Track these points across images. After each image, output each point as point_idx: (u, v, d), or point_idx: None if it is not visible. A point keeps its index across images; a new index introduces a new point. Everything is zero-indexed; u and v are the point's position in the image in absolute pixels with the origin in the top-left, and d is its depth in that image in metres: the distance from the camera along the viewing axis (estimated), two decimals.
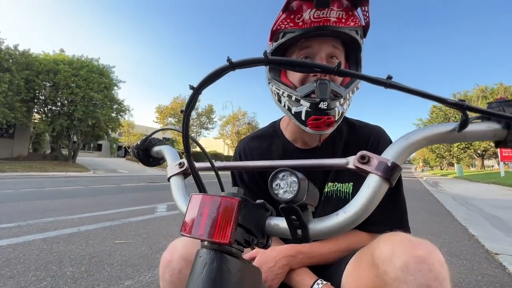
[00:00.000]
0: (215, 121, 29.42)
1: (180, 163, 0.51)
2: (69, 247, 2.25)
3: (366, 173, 0.34)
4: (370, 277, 0.53)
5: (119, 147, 36.81)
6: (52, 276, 1.71)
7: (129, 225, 3.13)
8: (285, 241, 0.77)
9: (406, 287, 0.43)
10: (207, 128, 28.89)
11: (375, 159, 0.34)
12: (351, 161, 0.36)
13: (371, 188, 0.32)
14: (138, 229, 2.96)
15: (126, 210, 4.01)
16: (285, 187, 0.32)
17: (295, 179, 0.32)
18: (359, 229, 0.74)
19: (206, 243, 0.32)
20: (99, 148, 35.39)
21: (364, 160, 0.35)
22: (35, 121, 16.78)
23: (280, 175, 0.33)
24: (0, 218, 3.08)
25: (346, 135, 0.78)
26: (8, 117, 12.73)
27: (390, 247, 0.47)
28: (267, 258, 0.68)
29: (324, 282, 0.65)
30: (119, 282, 1.68)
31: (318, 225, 0.34)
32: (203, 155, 0.52)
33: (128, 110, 20.56)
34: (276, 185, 0.33)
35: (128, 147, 34.26)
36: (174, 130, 0.53)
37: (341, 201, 0.72)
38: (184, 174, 0.51)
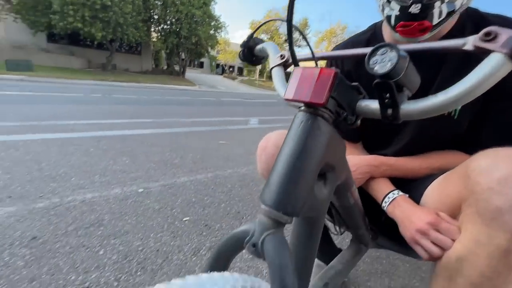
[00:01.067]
0: (309, 37, 26.85)
1: (281, 55, 0.54)
2: (187, 141, 2.93)
3: (488, 52, 0.29)
4: (457, 188, 0.49)
5: (217, 65, 39.95)
6: (180, 156, 2.34)
7: (228, 131, 3.70)
8: (371, 152, 0.77)
9: (498, 198, 0.38)
10: (299, 46, 27.01)
11: (504, 34, 0.27)
12: (470, 41, 0.30)
13: (488, 66, 0.28)
14: (235, 135, 3.48)
15: (225, 119, 4.66)
16: (383, 63, 0.31)
17: (395, 54, 0.30)
18: (461, 150, 0.65)
19: (302, 107, 0.37)
20: (201, 65, 39.43)
21: (488, 36, 0.28)
22: (153, 39, 19.59)
23: (380, 51, 0.32)
24: (143, 115, 4.17)
25: (470, 32, 0.60)
26: (135, 36, 15.28)
27: (491, 160, 0.41)
28: (350, 163, 0.72)
29: (401, 193, 0.65)
30: (223, 170, 2.14)
31: (411, 106, 0.33)
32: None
33: (224, 26, 21.05)
34: (374, 61, 0.32)
35: (225, 65, 36.64)
36: (278, 20, 0.54)
37: (445, 119, 0.62)
38: (285, 65, 0.54)
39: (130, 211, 1.38)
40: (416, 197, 0.63)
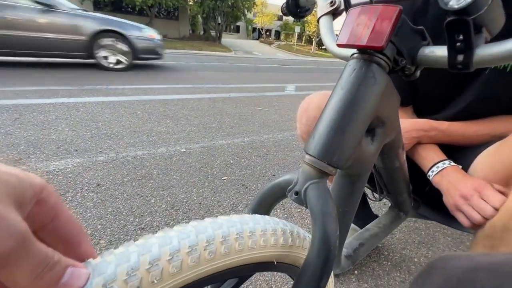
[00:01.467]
0: None
1: (331, 2, 0.49)
2: (225, 106, 2.98)
3: None
4: (510, 156, 0.43)
5: (254, 29, 38.33)
6: (218, 121, 2.41)
7: (264, 97, 3.66)
8: (421, 117, 0.70)
9: None
10: None
11: None
12: None
13: None
14: (271, 101, 3.44)
15: (261, 85, 4.59)
16: None
17: None
18: None
19: (356, 54, 0.34)
20: (237, 30, 38.21)
21: None
22: (190, 3, 19.26)
23: None
24: (183, 80, 4.30)
25: None
26: (173, 0, 15.16)
27: None
28: None
29: (453, 163, 0.59)
30: (259, 135, 2.17)
31: (488, 50, 0.28)
32: None
33: None
34: None
35: (261, 29, 34.93)
36: None
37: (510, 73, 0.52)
38: (334, 14, 0.50)
39: (174, 168, 1.51)
40: (465, 166, 0.57)
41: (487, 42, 0.29)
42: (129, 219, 1.07)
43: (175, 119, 2.35)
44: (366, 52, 0.33)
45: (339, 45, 0.34)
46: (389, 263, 0.97)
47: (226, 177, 1.46)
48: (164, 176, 1.41)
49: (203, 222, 0.27)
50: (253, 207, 0.41)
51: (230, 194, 1.31)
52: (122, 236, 0.97)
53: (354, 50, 0.35)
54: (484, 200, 0.47)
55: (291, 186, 0.36)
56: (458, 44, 0.29)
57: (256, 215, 0.32)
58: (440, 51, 0.32)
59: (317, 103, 0.69)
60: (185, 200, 1.22)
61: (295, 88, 4.57)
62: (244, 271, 0.28)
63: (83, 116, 2.19)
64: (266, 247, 0.29)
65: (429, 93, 0.66)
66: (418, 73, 0.35)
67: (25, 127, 1.83)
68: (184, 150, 1.75)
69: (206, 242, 0.24)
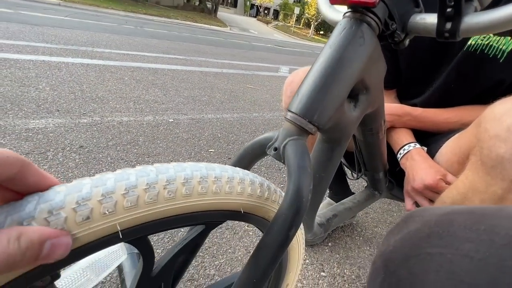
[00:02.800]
0: None
1: None
2: (216, 81, 2.92)
3: None
4: (468, 138, 0.47)
5: (252, 5, 36.78)
6: (208, 95, 2.37)
7: (257, 76, 3.60)
8: (401, 102, 0.73)
9: (502, 146, 0.36)
10: None
11: None
12: None
13: None
14: (263, 81, 3.40)
15: (255, 64, 4.50)
16: None
17: None
18: None
19: (348, 13, 0.34)
20: (234, 4, 36.52)
21: None
22: None
23: None
24: (174, 51, 4.13)
25: None
26: None
27: (506, 106, 0.37)
28: None
29: (418, 146, 0.62)
30: (249, 112, 2.16)
31: (475, 19, 0.29)
32: None
33: None
34: None
35: (260, 6, 33.61)
36: None
37: (488, 62, 0.55)
38: None
39: (161, 136, 1.49)
40: (434, 151, 0.61)
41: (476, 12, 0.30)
42: None
43: (164, 89, 2.28)
44: (358, 11, 0.33)
45: (332, 2, 0.34)
46: (361, 238, 1.04)
47: (213, 150, 1.47)
48: (150, 143, 1.40)
49: (166, 164, 0.26)
50: (233, 162, 0.42)
51: None
52: None
53: (346, 9, 0.35)
54: (430, 196, 0.53)
55: (271, 143, 0.37)
56: (448, 10, 0.29)
57: (227, 165, 0.31)
58: (431, 19, 0.32)
59: (302, 77, 0.70)
60: None
61: (289, 70, 4.52)
62: (209, 217, 0.28)
63: (66, 76, 2.08)
64: (232, 194, 0.28)
65: (411, 76, 0.68)
66: (407, 42, 0.36)
67: (1, 82, 1.72)
68: (172, 120, 1.73)
69: (166, 182, 0.23)
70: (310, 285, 0.80)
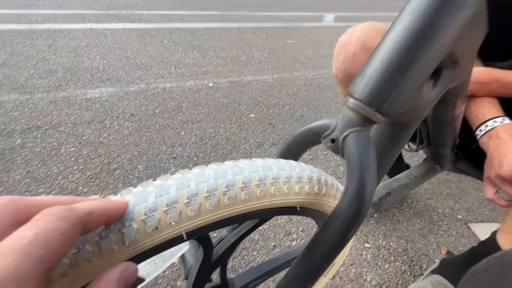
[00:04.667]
0: None
1: None
2: (254, 38, 2.75)
3: None
4: None
5: None
6: (246, 55, 2.27)
7: (298, 29, 3.29)
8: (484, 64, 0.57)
9: None
10: None
11: None
12: None
13: None
14: (305, 34, 3.09)
15: (296, 14, 4.08)
16: None
17: None
18: None
19: None
20: None
21: None
22: None
23: None
24: (210, 6, 3.92)
25: None
26: None
27: None
28: None
29: (507, 121, 0.50)
30: (289, 72, 2.03)
31: None
32: None
33: None
34: None
35: None
36: None
37: None
38: None
39: (202, 102, 1.51)
40: None
41: None
42: (162, 148, 1.14)
43: (202, 51, 2.24)
44: None
45: None
46: (411, 211, 0.97)
47: (253, 115, 1.45)
48: (193, 109, 1.43)
49: (223, 166, 0.25)
50: (281, 151, 0.39)
51: (257, 132, 1.31)
52: (156, 163, 1.06)
53: None
54: None
55: (327, 133, 0.33)
56: None
57: (282, 159, 0.30)
58: None
59: (360, 37, 0.59)
60: (213, 135, 1.26)
61: (334, 18, 4.01)
62: (264, 214, 0.28)
63: (111, 44, 2.16)
64: (290, 194, 0.28)
65: (498, 33, 0.52)
66: None
67: (60, 54, 1.87)
68: (212, 84, 1.72)
69: (226, 187, 0.23)
70: (353, 256, 0.80)
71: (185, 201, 0.22)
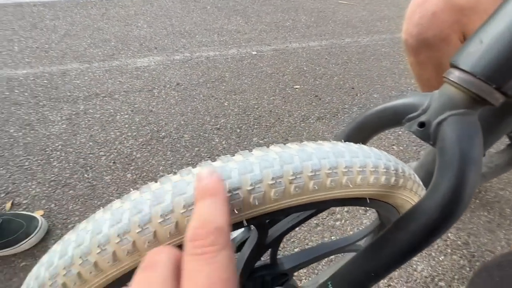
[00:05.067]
0: None
1: None
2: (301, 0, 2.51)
3: None
4: None
5: None
6: (292, 19, 2.09)
7: None
8: None
9: None
10: None
11: None
12: None
13: None
14: None
15: None
16: None
17: None
18: None
19: None
20: None
21: None
22: None
23: None
24: None
25: None
26: None
27: None
28: None
29: None
30: (340, 38, 1.83)
31: None
32: None
33: None
34: None
35: None
36: None
37: None
38: None
39: (246, 71, 1.46)
40: None
41: None
42: (206, 118, 1.15)
43: (246, 16, 2.12)
44: None
45: None
46: (478, 201, 0.86)
47: (298, 86, 1.36)
48: (236, 80, 1.39)
49: (289, 149, 0.22)
50: (347, 132, 0.34)
51: (302, 104, 1.24)
52: (201, 133, 1.08)
53: None
54: None
55: (414, 114, 0.27)
56: None
57: (352, 144, 0.26)
58: None
59: None
60: (256, 106, 1.22)
61: None
62: (331, 205, 0.25)
63: (157, 11, 2.17)
64: (362, 185, 0.24)
65: None
66: None
67: (112, 23, 1.94)
68: (255, 52, 1.64)
69: (293, 175, 0.21)
70: None
71: (248, 188, 0.20)
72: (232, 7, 2.29)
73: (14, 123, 1.07)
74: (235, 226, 0.21)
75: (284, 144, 0.24)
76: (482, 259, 0.74)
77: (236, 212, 0.19)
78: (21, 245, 0.71)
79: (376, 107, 0.31)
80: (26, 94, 1.22)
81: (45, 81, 1.30)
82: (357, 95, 1.31)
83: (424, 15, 0.53)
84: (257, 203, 0.20)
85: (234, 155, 0.22)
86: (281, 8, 2.29)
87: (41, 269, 0.20)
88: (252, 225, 0.29)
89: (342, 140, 0.28)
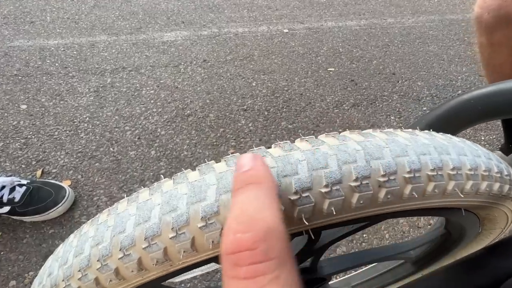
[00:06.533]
0: None
1: None
2: None
3: None
4: None
5: None
6: None
7: None
8: None
9: None
10: None
11: None
12: None
13: None
14: None
15: None
16: None
17: None
18: None
19: None
20: None
21: None
22: None
23: None
24: None
25: None
26: None
27: None
28: None
29: None
30: (381, 18, 1.66)
31: None
32: None
33: None
34: None
35: None
36: None
37: None
38: None
39: (276, 50, 1.37)
40: None
41: None
42: (233, 98, 1.09)
43: None
44: None
45: None
46: None
47: (332, 69, 1.25)
48: (265, 59, 1.31)
49: (373, 139, 0.16)
50: (431, 119, 0.26)
51: (336, 89, 1.14)
52: (227, 114, 1.03)
53: None
54: None
55: None
56: None
57: (452, 136, 0.20)
58: None
59: None
60: (285, 88, 1.14)
61: None
62: (408, 214, 0.19)
63: None
64: (470, 195, 0.18)
65: None
66: None
67: None
68: (287, 30, 1.53)
69: (384, 176, 0.15)
70: None
71: (323, 190, 0.14)
72: None
73: (45, 93, 1.08)
74: (293, 236, 0.16)
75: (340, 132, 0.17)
76: None
77: (305, 222, 0.14)
78: (49, 213, 0.72)
79: (479, 90, 0.23)
80: (56, 64, 1.22)
81: (75, 52, 1.30)
82: (398, 81, 1.19)
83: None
84: (333, 212, 0.14)
85: (295, 142, 0.16)
86: None
87: (55, 264, 0.16)
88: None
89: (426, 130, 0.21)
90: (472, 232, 0.28)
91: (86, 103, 1.05)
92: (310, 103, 1.08)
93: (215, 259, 0.15)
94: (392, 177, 0.15)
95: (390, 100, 1.10)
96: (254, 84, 1.16)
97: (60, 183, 0.76)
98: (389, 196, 0.15)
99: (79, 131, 0.95)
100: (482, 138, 0.97)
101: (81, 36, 1.41)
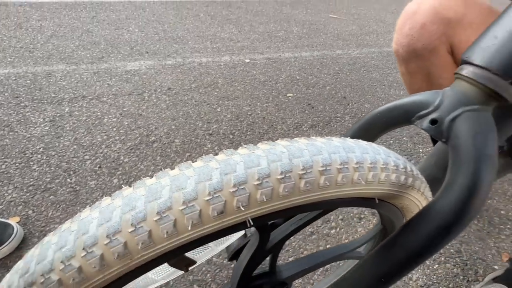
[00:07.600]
0: None
1: None
2: (293, 12, 2.57)
3: None
4: None
5: None
6: (284, 30, 2.13)
7: (342, 2, 3.01)
8: None
9: None
10: None
11: None
12: None
13: None
14: (349, 7, 2.83)
15: None
16: None
17: None
18: None
19: None
20: None
21: None
22: None
23: None
24: None
25: None
26: None
27: None
28: None
29: None
30: (331, 49, 1.88)
31: None
32: None
33: None
34: None
35: None
36: None
37: None
38: None
39: (239, 78, 1.45)
40: None
41: None
42: (198, 124, 1.13)
43: (239, 25, 2.15)
44: None
45: None
46: None
47: (291, 94, 1.37)
48: (229, 86, 1.38)
49: (297, 143, 0.21)
50: (356, 129, 0.33)
51: (295, 112, 1.24)
52: (193, 139, 1.05)
53: None
54: None
55: (425, 111, 0.26)
56: None
57: (361, 141, 0.25)
58: None
59: (433, 5, 0.50)
60: (249, 113, 1.21)
61: None
62: (335, 205, 0.24)
63: (149, 16, 2.16)
64: (373, 183, 0.23)
65: None
66: None
67: (102, 26, 1.90)
68: (248, 60, 1.64)
69: (303, 169, 0.19)
70: None
71: (256, 183, 0.18)
72: (225, 16, 2.31)
73: None
74: (237, 227, 0.19)
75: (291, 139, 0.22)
76: (474, 268, 0.74)
77: (242, 209, 0.17)
78: None
79: (385, 105, 0.30)
80: (6, 94, 1.15)
81: (28, 82, 1.24)
82: (349, 104, 1.33)
83: (414, 26, 0.54)
84: (264, 200, 0.18)
85: (237, 149, 0.20)
86: (274, 19, 2.34)
87: (15, 277, 0.17)
88: (251, 231, 0.27)
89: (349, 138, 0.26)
90: (399, 223, 0.34)
91: (40, 133, 0.99)
92: (272, 125, 1.15)
93: (171, 253, 0.17)
94: (309, 170, 0.19)
95: (343, 121, 1.22)
96: (219, 110, 1.21)
97: (6, 220, 0.70)
98: (307, 186, 0.19)
99: (31, 163, 0.89)
100: (420, 150, 1.12)
101: (36, 65, 1.36)
